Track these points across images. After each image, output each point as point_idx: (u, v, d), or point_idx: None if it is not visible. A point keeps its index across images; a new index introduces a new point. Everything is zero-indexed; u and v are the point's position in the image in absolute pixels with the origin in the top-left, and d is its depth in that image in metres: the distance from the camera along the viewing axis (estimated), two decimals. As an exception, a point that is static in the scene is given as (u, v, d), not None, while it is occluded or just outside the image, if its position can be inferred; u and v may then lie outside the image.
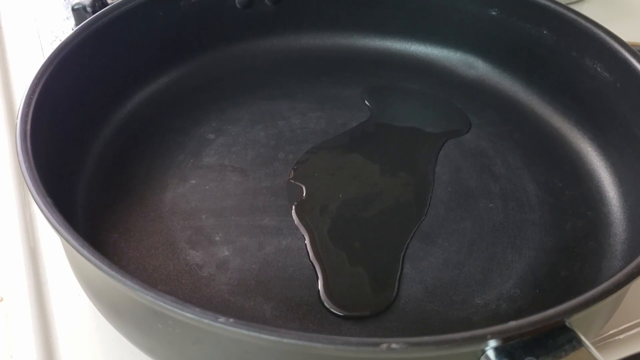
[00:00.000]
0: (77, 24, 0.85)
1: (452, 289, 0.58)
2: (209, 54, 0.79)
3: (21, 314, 0.59)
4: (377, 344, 0.38)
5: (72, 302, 0.60)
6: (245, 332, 0.39)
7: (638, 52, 0.65)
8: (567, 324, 0.42)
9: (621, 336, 0.58)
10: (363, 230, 0.62)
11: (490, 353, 0.40)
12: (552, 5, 0.73)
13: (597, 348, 0.54)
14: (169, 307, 0.40)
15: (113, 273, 0.42)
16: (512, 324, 0.41)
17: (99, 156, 0.68)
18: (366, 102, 0.76)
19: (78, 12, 0.87)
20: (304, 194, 0.65)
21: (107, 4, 0.80)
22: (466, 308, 0.56)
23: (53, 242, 0.65)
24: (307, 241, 0.61)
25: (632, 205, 0.64)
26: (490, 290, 0.58)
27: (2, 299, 0.61)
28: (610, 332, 0.58)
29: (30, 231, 0.66)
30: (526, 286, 0.58)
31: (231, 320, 0.39)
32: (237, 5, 0.79)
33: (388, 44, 0.83)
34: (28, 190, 0.49)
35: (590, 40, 0.69)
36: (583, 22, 0.70)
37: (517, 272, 0.59)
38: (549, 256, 0.61)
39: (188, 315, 0.39)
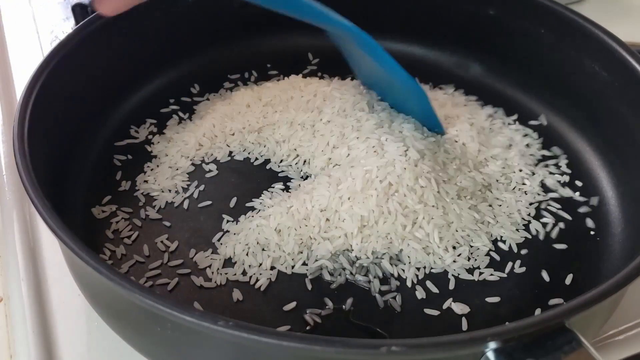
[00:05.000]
0: (77, 24, 0.85)
1: (451, 290, 0.58)
2: (207, 53, 0.79)
3: (21, 314, 0.59)
4: (377, 347, 0.38)
5: (72, 303, 0.60)
6: (245, 335, 0.39)
7: (636, 52, 0.65)
8: (566, 325, 0.42)
9: (621, 337, 0.58)
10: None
11: (490, 355, 0.40)
12: (551, 5, 0.73)
13: (596, 349, 0.54)
14: (167, 310, 0.40)
15: (112, 276, 0.42)
16: (512, 325, 0.41)
17: (97, 156, 0.68)
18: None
19: (78, 12, 0.87)
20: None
21: (106, 4, 0.80)
22: (466, 309, 0.56)
23: (53, 242, 0.65)
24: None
25: (630, 205, 0.64)
26: (490, 290, 0.58)
27: (2, 299, 0.61)
28: (610, 332, 0.58)
29: (29, 231, 0.66)
30: (525, 286, 0.58)
31: (230, 323, 0.39)
32: (234, 5, 0.79)
33: (387, 43, 0.83)
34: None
35: (588, 40, 0.69)
36: (581, 21, 0.70)
37: (516, 273, 0.59)
38: (549, 256, 0.61)
39: (187, 318, 0.40)
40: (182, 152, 0.69)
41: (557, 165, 0.70)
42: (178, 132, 0.72)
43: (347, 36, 0.64)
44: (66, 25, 0.92)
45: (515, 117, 0.75)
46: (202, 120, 0.72)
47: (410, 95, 0.67)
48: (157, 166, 0.68)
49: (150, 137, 0.71)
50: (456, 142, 0.68)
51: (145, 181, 0.66)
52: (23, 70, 0.85)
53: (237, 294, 0.57)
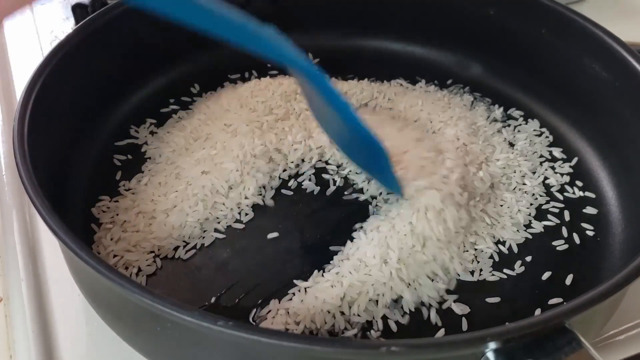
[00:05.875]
0: (77, 24, 0.85)
1: (452, 290, 0.58)
2: (207, 54, 0.79)
3: (21, 314, 0.59)
4: (377, 347, 0.38)
5: (72, 303, 0.60)
6: (244, 335, 0.39)
7: (637, 52, 0.65)
8: (566, 325, 0.42)
9: (622, 336, 0.58)
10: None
11: (490, 355, 0.40)
12: (551, 5, 0.73)
13: (597, 349, 0.54)
14: (167, 310, 0.40)
15: (111, 276, 0.42)
16: (512, 326, 0.41)
17: (97, 156, 0.68)
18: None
19: (78, 12, 0.87)
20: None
21: (106, 4, 0.80)
22: (466, 309, 0.56)
23: (53, 242, 0.65)
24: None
25: (630, 204, 0.64)
26: (490, 290, 0.58)
27: (1, 299, 0.61)
28: (611, 332, 0.58)
29: (29, 231, 0.66)
30: (526, 286, 0.58)
31: (230, 323, 0.39)
32: (234, 5, 0.79)
33: (386, 43, 0.83)
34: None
35: (588, 40, 0.69)
36: (582, 21, 0.70)
37: (516, 273, 0.59)
38: (549, 256, 0.61)
39: (187, 318, 0.39)
40: (176, 152, 0.69)
41: (557, 166, 0.70)
42: (169, 132, 0.72)
43: (300, 74, 0.55)
44: (66, 25, 0.92)
45: (515, 116, 0.75)
46: (190, 120, 0.73)
47: (369, 150, 0.57)
48: (156, 165, 0.68)
49: (150, 136, 0.71)
50: (457, 141, 0.69)
51: (139, 181, 0.66)
52: (23, 70, 0.85)
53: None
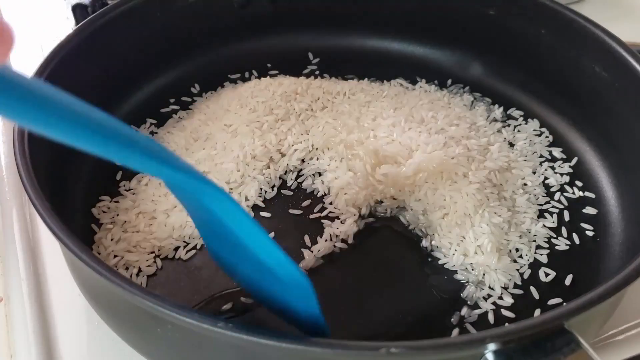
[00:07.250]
0: (77, 24, 0.85)
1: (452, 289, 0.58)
2: (207, 53, 0.79)
3: (21, 314, 0.59)
4: (376, 348, 0.38)
5: (72, 303, 0.60)
6: (244, 336, 0.39)
7: (636, 52, 0.65)
8: (565, 326, 0.42)
9: (621, 336, 0.58)
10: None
11: (490, 356, 0.40)
12: (551, 5, 0.73)
13: (597, 349, 0.54)
14: (168, 312, 0.40)
15: (112, 278, 0.42)
16: (511, 327, 0.42)
17: (98, 156, 0.67)
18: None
19: (78, 12, 0.87)
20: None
21: (106, 4, 0.80)
22: (466, 309, 0.56)
23: (53, 242, 0.64)
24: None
25: (630, 205, 0.64)
26: (491, 290, 0.58)
27: (2, 299, 0.61)
28: (610, 332, 0.58)
29: (29, 231, 0.66)
30: (526, 286, 0.58)
31: (230, 324, 0.39)
32: (235, 5, 0.79)
33: (386, 43, 0.83)
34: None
35: (588, 40, 0.69)
36: (581, 21, 0.70)
37: (517, 273, 0.59)
38: (549, 256, 0.61)
39: (187, 320, 0.39)
40: (176, 153, 0.68)
41: (557, 166, 0.70)
42: (170, 132, 0.72)
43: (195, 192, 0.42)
44: (66, 25, 0.92)
45: (515, 116, 0.75)
46: (190, 120, 0.73)
47: (283, 284, 0.43)
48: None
49: (150, 136, 0.71)
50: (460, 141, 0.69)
51: (139, 181, 0.66)
52: (23, 70, 0.84)
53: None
